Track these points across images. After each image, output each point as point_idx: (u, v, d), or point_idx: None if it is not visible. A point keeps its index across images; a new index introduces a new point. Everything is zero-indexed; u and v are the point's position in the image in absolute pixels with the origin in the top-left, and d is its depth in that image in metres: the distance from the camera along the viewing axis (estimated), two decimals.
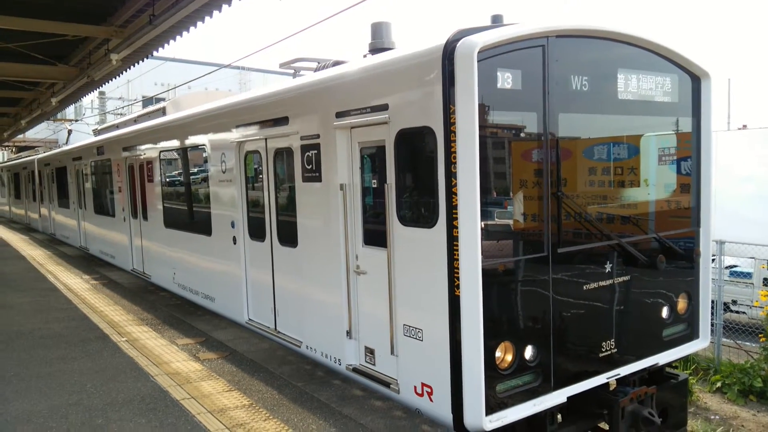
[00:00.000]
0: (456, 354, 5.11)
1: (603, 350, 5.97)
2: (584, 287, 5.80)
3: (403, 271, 5.65)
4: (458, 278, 5.01)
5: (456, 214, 4.98)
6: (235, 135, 8.48)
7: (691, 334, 6.97)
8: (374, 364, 6.30)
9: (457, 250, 4.99)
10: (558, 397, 5.56)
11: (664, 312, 6.62)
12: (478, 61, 4.80)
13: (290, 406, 5.92)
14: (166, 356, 7.60)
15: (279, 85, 7.78)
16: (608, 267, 5.98)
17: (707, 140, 6.83)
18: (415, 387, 5.62)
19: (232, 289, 9.00)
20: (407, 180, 5.60)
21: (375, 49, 6.93)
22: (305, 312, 7.26)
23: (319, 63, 8.30)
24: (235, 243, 8.78)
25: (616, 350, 6.07)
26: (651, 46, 6.23)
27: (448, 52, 4.94)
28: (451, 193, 5.01)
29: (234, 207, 8.73)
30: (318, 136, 6.66)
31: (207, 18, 10.55)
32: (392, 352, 5.89)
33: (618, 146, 6.23)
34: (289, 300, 7.68)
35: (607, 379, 5.97)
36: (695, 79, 6.75)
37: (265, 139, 7.83)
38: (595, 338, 5.93)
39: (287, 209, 7.64)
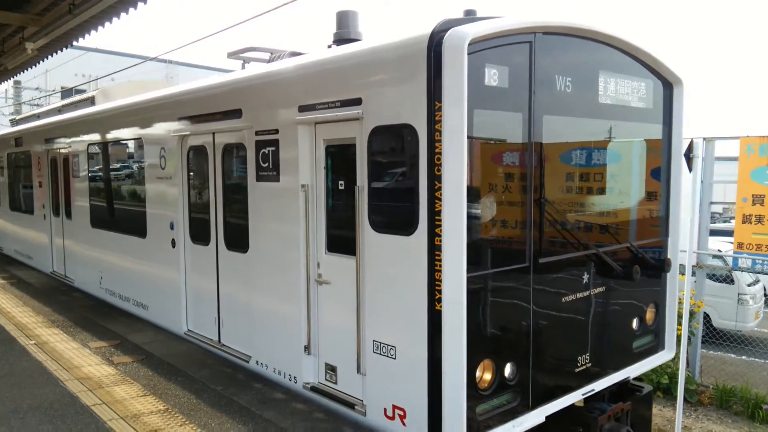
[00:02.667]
0: (435, 374, 4.65)
1: (579, 365, 5.68)
2: (563, 299, 5.49)
3: (374, 282, 5.14)
4: (440, 291, 4.55)
5: (439, 220, 4.52)
6: (177, 128, 7.72)
7: (657, 346, 6.82)
8: (336, 383, 5.75)
9: (440, 261, 4.53)
10: (537, 416, 5.20)
11: (635, 323, 6.42)
12: (467, 54, 4.37)
13: (208, 410, 5.71)
14: (78, 360, 7.18)
15: (230, 75, 7.11)
16: (585, 278, 5.70)
17: (678, 149, 6.69)
18: (385, 409, 5.12)
19: (169, 297, 8.21)
20: (382, 182, 5.10)
21: (340, 40, 6.41)
22: (256, 324, 6.61)
23: (272, 54, 7.70)
24: (173, 246, 8.01)
25: (590, 364, 5.79)
26: (630, 48, 6.00)
27: (435, 42, 4.49)
28: (433, 198, 4.55)
29: (174, 207, 7.96)
30: (276, 132, 6.06)
31: (131, 9, 9.88)
32: (359, 371, 5.36)
33: (597, 152, 5.97)
34: (236, 310, 7.01)
35: (583, 395, 5.67)
36: (667, 86, 6.59)
37: (213, 133, 7.14)
38: (572, 352, 5.63)
39: (237, 211, 6.98)
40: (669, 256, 6.69)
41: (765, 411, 8.93)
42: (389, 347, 5.03)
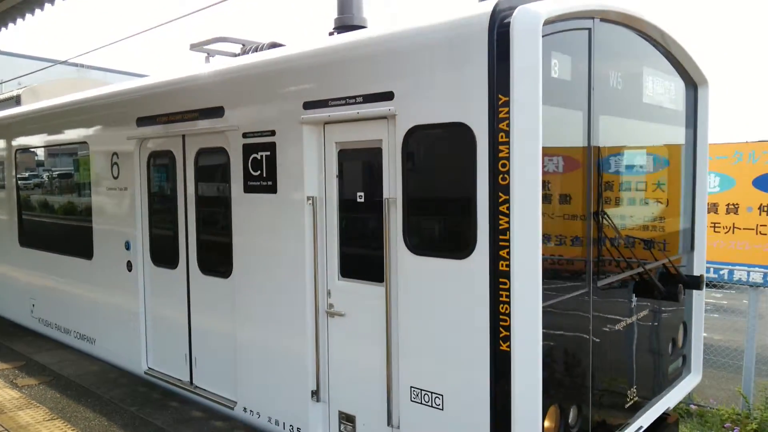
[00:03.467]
0: (501, 428, 3.80)
1: (628, 399, 4.98)
2: (615, 326, 4.78)
3: (411, 315, 4.23)
4: (507, 328, 3.71)
5: (505, 240, 3.69)
6: (134, 130, 6.54)
7: (683, 370, 6.25)
8: None
9: (507, 290, 3.70)
10: None
11: (670, 348, 5.81)
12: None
13: None
14: None
15: (208, 66, 6.03)
16: (633, 301, 5.02)
17: (704, 153, 6.17)
18: None
19: (124, 329, 6.97)
20: (423, 194, 4.21)
21: (342, 27, 5.50)
22: (244, 363, 5.54)
23: (244, 46, 6.68)
24: (130, 269, 6.79)
25: (636, 398, 5.11)
26: (669, 43, 5.41)
27: (499, 22, 3.66)
28: (497, 213, 3.71)
29: (130, 223, 6.75)
30: (273, 134, 5.06)
31: (38, 10, 8.75)
32: (389, 423, 4.43)
33: (642, 157, 5.32)
34: (214, 346, 5.91)
35: None
36: (691, 86, 6.06)
37: (183, 136, 6.03)
38: (623, 386, 4.93)
39: (215, 228, 5.90)
40: (700, 272, 6.15)
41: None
42: (434, 395, 4.13)
